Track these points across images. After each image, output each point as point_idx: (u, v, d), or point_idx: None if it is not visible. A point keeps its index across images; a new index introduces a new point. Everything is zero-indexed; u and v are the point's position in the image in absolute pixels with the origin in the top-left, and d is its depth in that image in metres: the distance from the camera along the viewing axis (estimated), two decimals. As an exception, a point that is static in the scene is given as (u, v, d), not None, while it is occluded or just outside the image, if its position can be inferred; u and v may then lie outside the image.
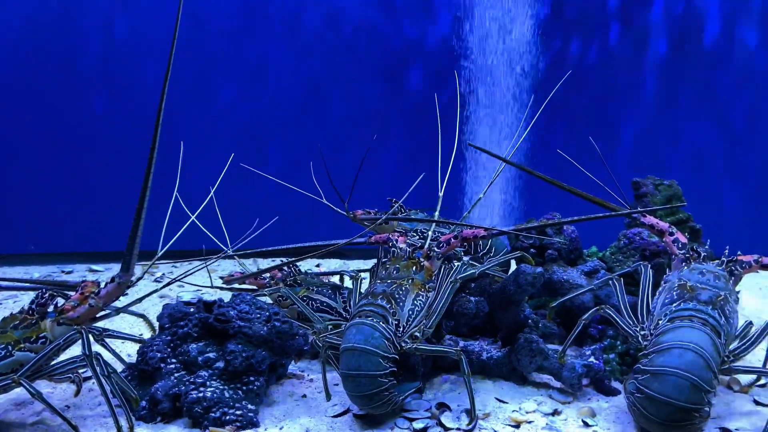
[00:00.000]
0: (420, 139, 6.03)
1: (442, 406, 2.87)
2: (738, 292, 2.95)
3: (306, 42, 6.19)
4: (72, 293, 2.77)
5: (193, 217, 3.13)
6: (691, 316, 2.66)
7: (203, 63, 6.11)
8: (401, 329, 2.80)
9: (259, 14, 6.13)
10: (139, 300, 2.96)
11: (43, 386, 2.99)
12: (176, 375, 2.83)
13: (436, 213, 3.33)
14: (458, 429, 2.70)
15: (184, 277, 3.10)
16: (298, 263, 3.68)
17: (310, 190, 3.76)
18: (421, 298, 2.92)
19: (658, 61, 6.31)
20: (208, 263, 3.21)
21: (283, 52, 6.20)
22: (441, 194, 3.32)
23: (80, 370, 2.79)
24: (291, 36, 6.17)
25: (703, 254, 3.00)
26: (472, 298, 3.26)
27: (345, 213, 3.70)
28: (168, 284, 3.06)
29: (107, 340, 2.92)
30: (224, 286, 3.67)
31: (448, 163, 3.34)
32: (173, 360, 2.88)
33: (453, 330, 3.30)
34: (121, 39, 5.94)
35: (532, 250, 3.58)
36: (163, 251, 2.90)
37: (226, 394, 2.74)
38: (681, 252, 3.03)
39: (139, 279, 2.81)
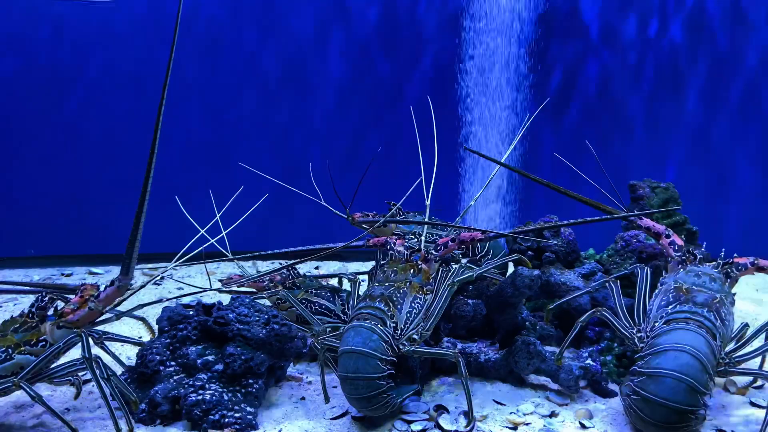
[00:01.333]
0: (418, 143, 6.05)
1: (440, 408, 2.89)
2: (734, 294, 2.96)
3: (304, 46, 6.21)
4: (72, 296, 2.78)
5: (202, 231, 3.16)
6: (687, 318, 2.67)
7: (205, 65, 6.12)
8: (399, 332, 2.82)
9: (260, 19, 6.16)
10: (141, 306, 2.97)
11: (43, 389, 3.00)
12: (175, 378, 2.84)
13: (425, 217, 3.36)
14: (456, 431, 2.71)
15: (188, 294, 3.13)
16: (296, 266, 3.69)
17: (308, 192, 3.78)
18: (418, 300, 2.93)
19: (657, 62, 6.33)
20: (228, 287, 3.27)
21: (283, 56, 6.22)
22: (428, 203, 3.34)
23: (80, 373, 2.81)
24: (290, 40, 6.19)
25: (699, 256, 3.02)
26: (469, 301, 3.28)
27: (345, 216, 3.72)
28: (176, 297, 3.10)
29: (107, 342, 2.93)
30: (223, 288, 3.68)
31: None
32: (172, 363, 2.89)
33: (451, 332, 3.31)
34: (119, 40, 5.95)
35: (529, 252, 3.59)
36: (169, 267, 2.92)
37: (225, 397, 2.75)
38: (677, 254, 3.05)
39: (142, 287, 2.83)
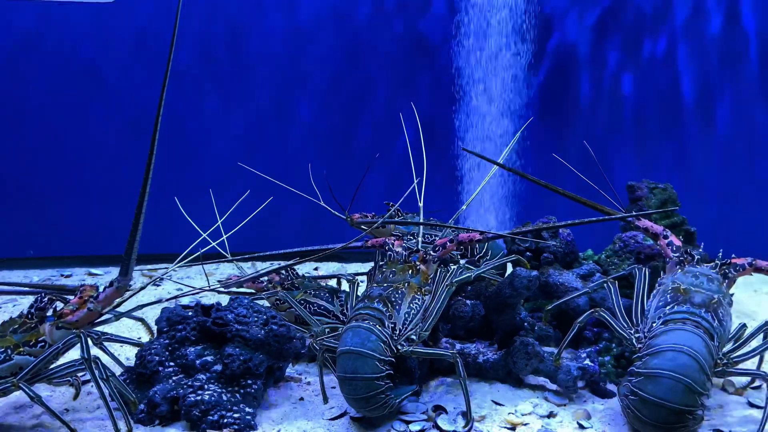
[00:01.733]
0: (415, 144, 6.06)
1: (439, 409, 2.89)
2: (732, 295, 2.97)
3: (303, 48, 6.22)
4: (71, 297, 2.78)
5: (204, 235, 3.16)
6: (685, 319, 2.68)
7: (202, 66, 6.13)
8: (398, 332, 2.82)
9: (259, 20, 6.16)
10: (140, 307, 2.98)
11: (42, 390, 3.00)
12: (174, 378, 2.84)
13: (420, 218, 3.38)
14: (454, 431, 2.72)
15: (187, 294, 3.14)
16: (295, 266, 3.70)
17: (307, 193, 3.80)
18: (417, 301, 2.94)
19: (657, 63, 6.33)
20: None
21: (282, 57, 6.23)
22: (421, 204, 3.36)
23: (79, 374, 2.81)
24: (288, 41, 6.20)
25: (697, 257, 3.02)
26: (468, 302, 3.28)
27: (344, 217, 3.73)
28: (175, 297, 3.11)
29: (106, 343, 2.94)
30: (222, 289, 3.69)
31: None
32: (171, 363, 2.90)
33: (449, 333, 3.32)
34: (116, 41, 5.95)
35: (527, 253, 3.60)
36: (170, 269, 2.93)
37: (224, 397, 2.76)
38: (675, 255, 3.05)
39: (142, 288, 2.84)
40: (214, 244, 3.32)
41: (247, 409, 2.77)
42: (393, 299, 2.88)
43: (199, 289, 3.44)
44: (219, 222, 3.30)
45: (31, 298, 2.84)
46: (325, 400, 2.99)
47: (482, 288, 3.37)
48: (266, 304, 3.56)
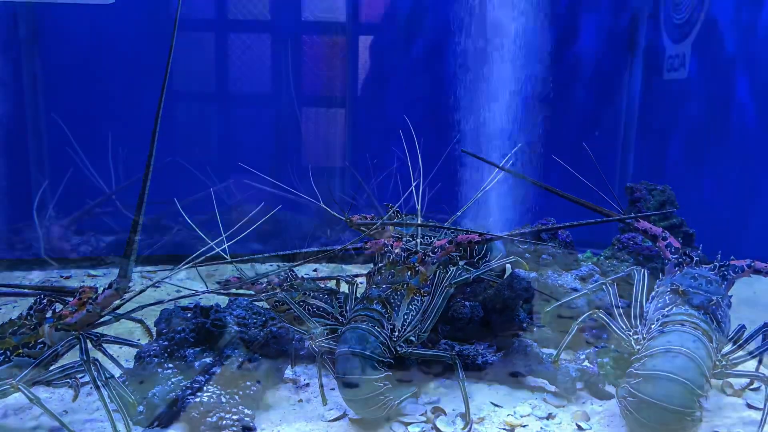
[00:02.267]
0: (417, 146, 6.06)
1: (438, 410, 2.89)
2: (730, 297, 2.97)
3: (303, 48, 6.23)
4: (70, 299, 2.78)
5: (212, 243, 3.15)
6: (683, 320, 2.68)
7: (200, 64, 6.13)
8: (396, 333, 2.83)
9: (260, 20, 6.17)
10: (140, 308, 2.97)
11: (41, 391, 2.99)
12: (173, 380, 2.84)
13: (418, 220, 3.39)
14: (453, 433, 2.72)
15: (186, 296, 3.14)
16: (294, 268, 3.70)
17: (306, 195, 3.80)
18: (416, 302, 2.94)
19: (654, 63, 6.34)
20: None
21: (282, 56, 6.23)
22: (419, 206, 3.37)
23: (78, 375, 2.81)
24: (287, 40, 6.21)
25: (695, 259, 3.03)
26: (467, 303, 3.29)
27: (344, 218, 3.74)
28: (174, 299, 3.11)
29: (105, 345, 2.94)
30: (221, 291, 3.69)
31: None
32: (170, 365, 2.90)
33: (448, 334, 3.32)
34: (114, 38, 5.95)
35: (527, 255, 3.60)
36: (173, 272, 2.93)
37: (223, 399, 2.76)
38: (674, 257, 3.06)
39: (142, 291, 2.83)
40: (218, 250, 3.31)
41: (246, 411, 2.77)
42: (392, 300, 2.89)
43: (199, 291, 3.44)
44: (223, 236, 3.28)
45: (30, 300, 2.84)
46: (324, 401, 2.99)
47: (481, 289, 3.37)
48: (265, 305, 3.56)
